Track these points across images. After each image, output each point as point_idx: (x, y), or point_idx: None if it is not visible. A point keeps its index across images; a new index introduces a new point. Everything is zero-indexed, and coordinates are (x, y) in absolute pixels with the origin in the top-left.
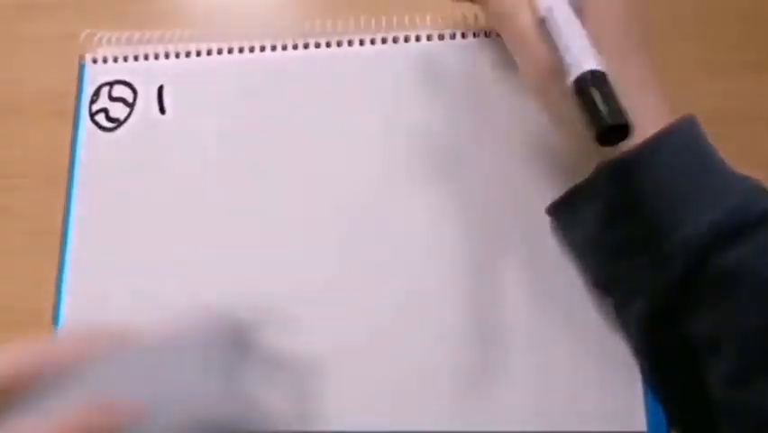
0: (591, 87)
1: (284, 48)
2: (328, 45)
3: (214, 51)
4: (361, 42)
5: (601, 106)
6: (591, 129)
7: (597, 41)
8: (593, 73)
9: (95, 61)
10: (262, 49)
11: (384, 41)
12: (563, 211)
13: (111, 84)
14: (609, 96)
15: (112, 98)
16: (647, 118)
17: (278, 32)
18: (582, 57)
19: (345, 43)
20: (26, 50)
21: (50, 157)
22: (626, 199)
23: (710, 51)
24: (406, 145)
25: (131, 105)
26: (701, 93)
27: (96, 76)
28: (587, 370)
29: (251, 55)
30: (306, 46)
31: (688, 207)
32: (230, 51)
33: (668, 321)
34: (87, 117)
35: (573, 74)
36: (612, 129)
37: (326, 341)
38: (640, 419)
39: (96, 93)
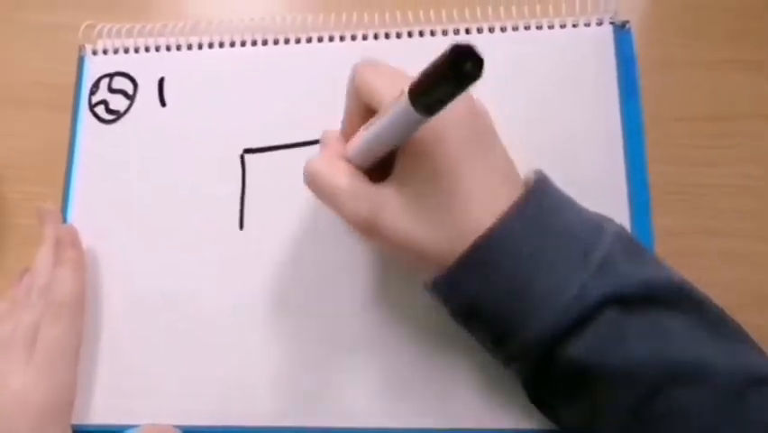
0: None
1: (286, 42)
2: (331, 39)
3: (216, 44)
4: (365, 37)
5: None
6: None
7: (441, 152)
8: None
9: (94, 53)
10: (264, 42)
11: (387, 36)
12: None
13: (111, 76)
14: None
15: (112, 90)
16: (471, 224)
17: (280, 26)
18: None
19: (348, 38)
20: (25, 42)
21: (49, 149)
22: (463, 309)
23: (705, 50)
24: None
25: (131, 98)
26: (698, 91)
27: (95, 67)
28: None
29: (253, 48)
30: (309, 40)
31: (521, 310)
32: (232, 44)
33: (545, 409)
34: (87, 109)
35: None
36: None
37: (325, 335)
38: None
39: (96, 85)
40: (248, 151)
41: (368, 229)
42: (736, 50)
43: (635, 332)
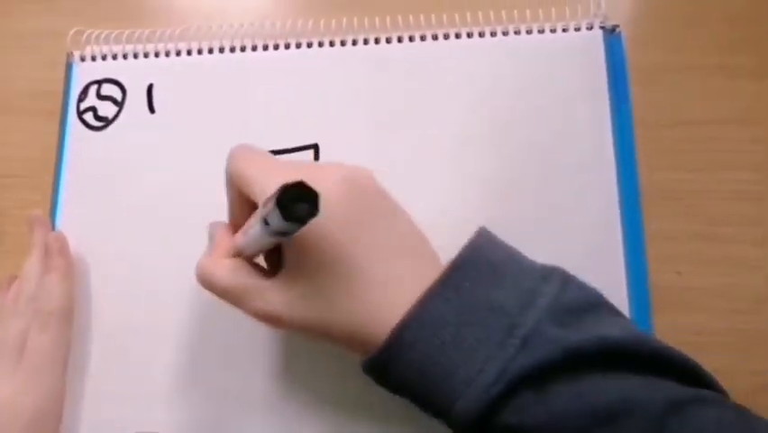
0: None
1: (276, 47)
2: (320, 45)
3: (205, 50)
4: (354, 42)
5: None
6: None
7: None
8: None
9: (83, 59)
10: (254, 48)
11: (377, 41)
12: None
13: (99, 82)
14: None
15: (100, 97)
16: (390, 310)
17: (270, 31)
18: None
19: (337, 43)
20: (13, 48)
21: (37, 156)
22: (393, 390)
23: (698, 56)
24: (401, 141)
25: (119, 104)
26: (691, 97)
27: (83, 74)
28: None
29: (242, 54)
30: (298, 45)
31: (448, 392)
32: (221, 50)
33: None
34: (75, 116)
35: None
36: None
37: None
38: None
39: (84, 91)
40: None
41: (272, 322)
42: (728, 55)
43: (555, 390)
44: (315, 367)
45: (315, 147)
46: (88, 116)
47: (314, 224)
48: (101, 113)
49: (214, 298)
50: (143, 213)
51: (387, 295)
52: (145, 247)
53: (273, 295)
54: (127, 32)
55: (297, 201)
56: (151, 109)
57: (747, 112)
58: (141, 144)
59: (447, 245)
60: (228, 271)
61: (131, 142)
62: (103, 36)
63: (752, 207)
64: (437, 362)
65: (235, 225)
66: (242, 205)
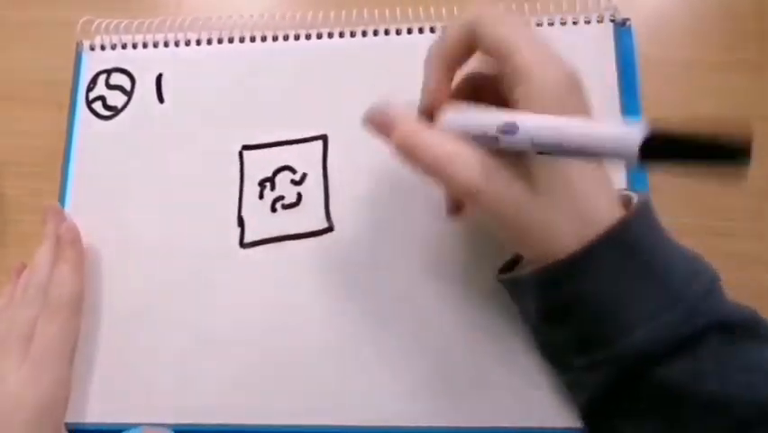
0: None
1: (285, 38)
2: (330, 36)
3: (215, 40)
4: (364, 34)
5: None
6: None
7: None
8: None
9: (92, 48)
10: (263, 39)
11: (387, 32)
12: (508, 286)
13: (108, 72)
14: None
15: (109, 86)
16: (593, 218)
17: (279, 22)
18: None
19: (347, 34)
20: (22, 37)
21: (46, 145)
22: (558, 307)
23: (707, 51)
24: None
25: (129, 94)
26: (700, 92)
27: (93, 63)
28: None
29: (251, 45)
30: (308, 37)
31: (625, 319)
32: (230, 41)
33: (603, 425)
34: (84, 105)
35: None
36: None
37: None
38: None
39: (93, 81)
40: (246, 147)
41: (474, 195)
42: (737, 51)
43: (734, 363)
44: (324, 356)
45: (324, 138)
46: (97, 105)
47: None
48: (110, 102)
49: (225, 286)
50: (152, 202)
51: (602, 212)
52: (153, 236)
53: (491, 166)
54: (136, 21)
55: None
56: (160, 99)
57: (755, 107)
58: (150, 134)
59: (457, 231)
60: (441, 138)
61: (139, 132)
62: (112, 26)
63: (756, 201)
64: (626, 285)
65: (430, 105)
66: (452, 64)
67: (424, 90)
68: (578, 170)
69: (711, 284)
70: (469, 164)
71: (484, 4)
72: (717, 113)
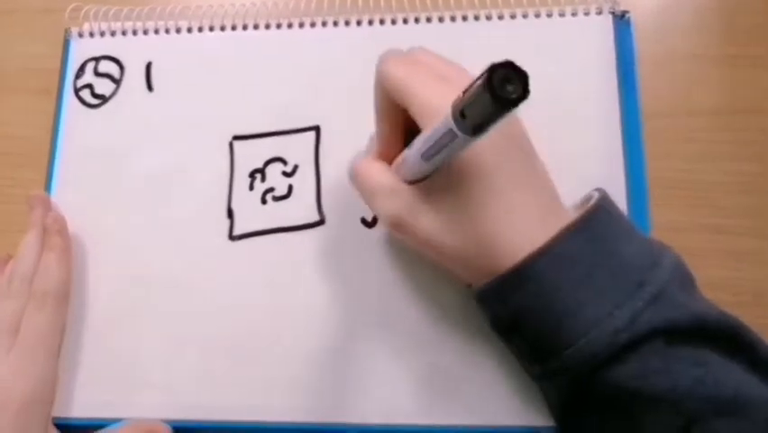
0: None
1: (278, 26)
2: (323, 24)
3: (205, 28)
4: (358, 23)
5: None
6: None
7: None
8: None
9: (80, 36)
10: (255, 27)
11: (382, 22)
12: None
13: (97, 59)
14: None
15: (98, 74)
16: (523, 239)
17: (271, 10)
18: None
19: (341, 23)
20: (9, 24)
21: (33, 134)
22: (506, 319)
23: (708, 45)
24: None
25: (117, 82)
26: (700, 86)
27: (81, 51)
28: None
29: (242, 32)
30: (301, 25)
31: (570, 329)
32: (221, 28)
33: (570, 424)
34: (72, 93)
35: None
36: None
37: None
38: None
39: (82, 68)
40: (237, 137)
41: (397, 225)
42: (739, 45)
43: (680, 362)
44: (314, 350)
45: (317, 129)
46: (85, 94)
47: (480, 145)
48: (98, 90)
49: (214, 279)
50: (140, 192)
51: (513, 223)
52: (141, 226)
53: (412, 198)
54: (126, 9)
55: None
56: (150, 87)
57: (757, 102)
58: (139, 122)
59: None
60: (380, 171)
61: (128, 120)
62: (101, 13)
63: (758, 199)
64: (565, 296)
65: (383, 153)
66: (389, 113)
67: (377, 138)
68: (501, 188)
69: (661, 291)
70: (395, 196)
71: (386, 53)
72: (719, 107)
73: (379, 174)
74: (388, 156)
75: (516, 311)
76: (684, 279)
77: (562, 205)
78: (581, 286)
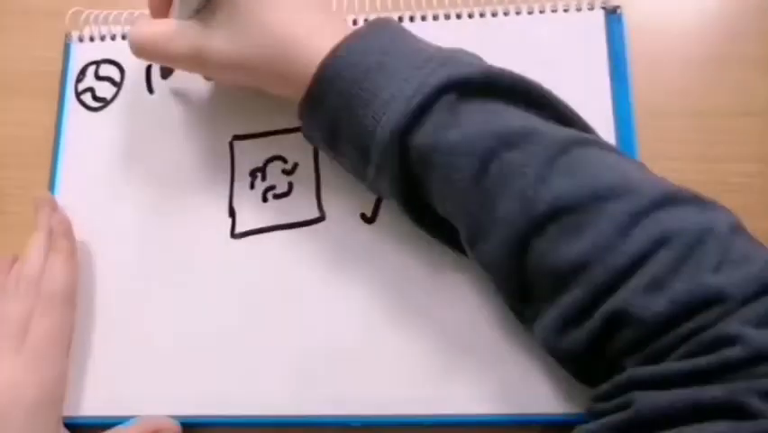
0: None
1: None
2: None
3: None
4: (354, 22)
5: None
6: None
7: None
8: None
9: (81, 40)
10: None
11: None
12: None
13: (98, 63)
14: None
15: (98, 77)
16: (321, 37)
17: None
18: None
19: None
20: (11, 28)
21: (35, 137)
22: (327, 134)
23: (711, 46)
24: None
25: (118, 85)
26: (697, 87)
27: (82, 54)
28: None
29: None
30: None
31: (372, 114)
32: None
33: (418, 211)
34: (73, 96)
35: None
36: None
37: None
38: None
39: (83, 72)
40: (237, 137)
41: (196, 60)
42: (738, 45)
43: (470, 111)
44: (317, 345)
45: None
46: (86, 97)
47: None
48: (99, 93)
49: (217, 276)
50: (142, 193)
51: (304, 22)
52: (144, 227)
53: (193, 30)
54: (126, 12)
55: None
56: (150, 90)
57: (755, 103)
58: (140, 124)
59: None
60: (155, 23)
61: (129, 123)
62: (101, 16)
63: (759, 199)
64: (363, 86)
65: (151, 4)
66: None
67: (149, 5)
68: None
69: (448, 58)
70: (179, 36)
71: None
72: (718, 108)
73: (159, 26)
74: (162, 15)
75: (332, 116)
76: (473, 54)
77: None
78: (376, 73)
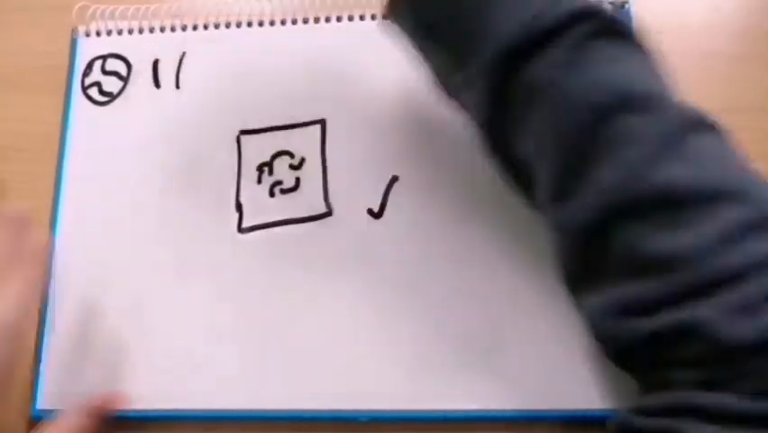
0: None
1: (282, 23)
2: (327, 20)
3: (211, 25)
4: (362, 18)
5: None
6: None
7: None
8: None
9: (87, 34)
10: (260, 24)
11: (373, 17)
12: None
13: (104, 57)
14: None
15: (105, 72)
16: None
17: (276, 7)
18: None
19: (345, 18)
20: (18, 23)
21: (43, 130)
22: (420, 30)
23: (719, 44)
24: (402, 116)
25: (125, 79)
26: (705, 84)
27: (88, 49)
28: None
29: (248, 29)
30: (305, 21)
31: (490, 25)
32: (227, 26)
33: (495, 140)
34: (80, 91)
35: None
36: None
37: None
38: None
39: (89, 66)
40: (244, 132)
41: None
42: (746, 44)
43: (596, 53)
44: (324, 340)
45: (323, 122)
46: (93, 91)
47: None
48: (106, 88)
49: (224, 271)
50: (149, 187)
51: None
52: (150, 221)
53: None
54: (132, 7)
55: None
56: (157, 84)
57: (758, 101)
58: (147, 119)
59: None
60: None
61: (136, 117)
62: (108, 11)
63: None
64: (467, 4)
65: None
66: None
67: None
68: None
69: None
70: None
71: None
72: (720, 106)
73: None
74: None
75: (435, 12)
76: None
77: None
78: None
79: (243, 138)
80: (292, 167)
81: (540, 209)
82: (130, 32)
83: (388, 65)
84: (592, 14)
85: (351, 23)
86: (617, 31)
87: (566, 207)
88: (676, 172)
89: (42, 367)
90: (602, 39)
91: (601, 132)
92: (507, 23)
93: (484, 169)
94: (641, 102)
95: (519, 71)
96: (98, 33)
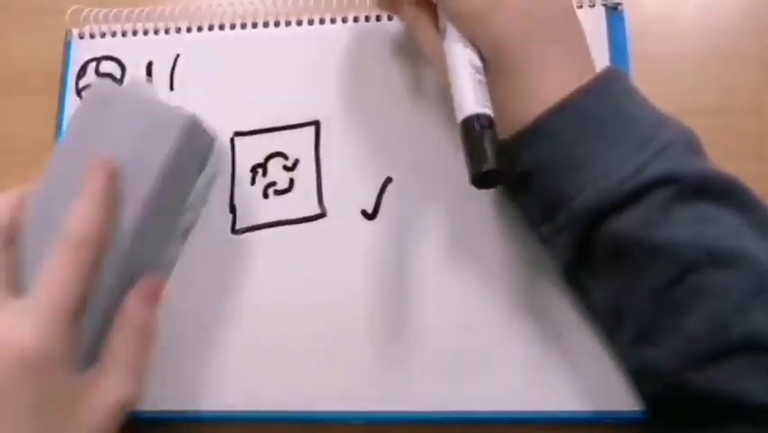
0: (474, 131)
1: (276, 24)
2: (321, 22)
3: (205, 28)
4: (356, 19)
5: (482, 151)
6: (468, 171)
7: (499, 28)
8: (479, 117)
9: (81, 37)
10: (254, 25)
11: (378, 18)
12: None
13: (98, 60)
14: (489, 142)
15: (99, 74)
16: (539, 97)
17: (269, 8)
18: (465, 101)
19: (339, 20)
20: (11, 26)
21: (36, 134)
22: (517, 177)
23: (711, 45)
24: (396, 117)
25: (119, 82)
26: (698, 85)
27: (82, 52)
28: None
29: (241, 31)
30: (299, 23)
31: (578, 181)
32: (221, 28)
33: (576, 285)
34: (74, 94)
35: (459, 116)
36: (487, 174)
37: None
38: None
39: (83, 69)
40: (238, 133)
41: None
42: (738, 44)
43: (682, 215)
44: (319, 343)
45: (317, 124)
46: None
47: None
48: None
49: (217, 273)
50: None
51: (551, 89)
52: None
53: None
54: (126, 10)
55: None
56: None
57: (756, 102)
58: None
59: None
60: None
61: None
62: (102, 14)
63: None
64: (577, 150)
65: None
66: None
67: None
68: (537, 49)
69: (667, 146)
70: None
71: None
72: (719, 107)
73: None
74: None
75: (530, 166)
76: (691, 142)
77: (581, 43)
78: (592, 140)
79: (237, 139)
80: (286, 168)
81: (623, 348)
82: (123, 34)
83: (383, 67)
84: (677, 179)
85: (344, 24)
86: (704, 189)
87: (647, 350)
88: (763, 322)
89: None
90: (697, 201)
91: (687, 284)
92: (594, 182)
93: None
94: (730, 259)
95: (604, 228)
96: (92, 36)
